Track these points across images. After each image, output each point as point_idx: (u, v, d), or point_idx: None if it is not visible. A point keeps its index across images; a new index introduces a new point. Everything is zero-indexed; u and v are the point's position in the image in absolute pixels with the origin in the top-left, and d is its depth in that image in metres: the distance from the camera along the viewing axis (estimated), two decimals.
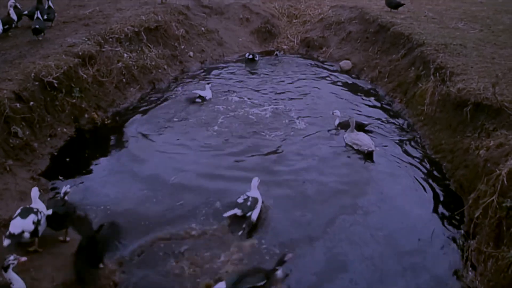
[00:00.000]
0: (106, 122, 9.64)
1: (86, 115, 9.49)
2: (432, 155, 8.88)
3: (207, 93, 11.07)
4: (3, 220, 5.76)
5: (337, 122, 9.95)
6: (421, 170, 8.43)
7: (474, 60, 10.22)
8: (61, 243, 5.79)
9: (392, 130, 10.04)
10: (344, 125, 9.69)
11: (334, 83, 12.97)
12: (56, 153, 8.34)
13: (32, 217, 5.37)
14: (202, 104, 10.81)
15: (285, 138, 9.39)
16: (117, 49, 11.19)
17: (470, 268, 5.93)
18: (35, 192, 5.75)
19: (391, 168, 8.51)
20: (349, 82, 13.05)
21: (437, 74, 10.08)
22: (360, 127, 9.55)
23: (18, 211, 5.49)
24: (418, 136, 9.63)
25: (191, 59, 13.74)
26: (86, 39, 10.63)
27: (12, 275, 4.68)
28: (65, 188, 6.24)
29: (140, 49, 12.06)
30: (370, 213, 7.17)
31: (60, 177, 7.69)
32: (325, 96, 11.87)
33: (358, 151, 8.96)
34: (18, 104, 7.98)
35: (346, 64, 14.16)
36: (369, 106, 11.33)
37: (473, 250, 6.15)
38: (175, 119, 10.01)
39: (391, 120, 10.53)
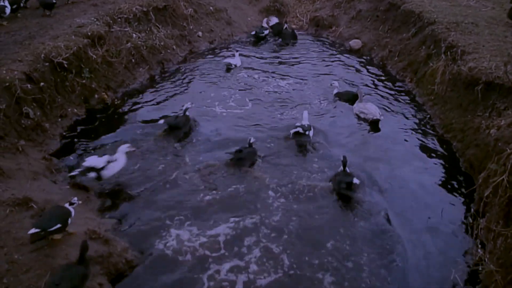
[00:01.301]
0: (116, 102, 9.66)
1: (96, 96, 9.53)
2: (442, 135, 8.85)
3: (237, 61, 12.07)
4: (17, 199, 5.84)
5: (335, 91, 10.41)
6: (431, 150, 8.42)
7: (486, 39, 10.08)
8: (74, 223, 5.85)
9: (402, 109, 9.98)
10: (341, 95, 10.26)
11: (343, 62, 12.88)
12: (67, 134, 8.40)
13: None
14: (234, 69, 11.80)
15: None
16: (126, 29, 11.16)
17: (480, 246, 5.96)
18: (124, 147, 7.18)
19: (401, 147, 8.50)
20: (359, 61, 12.94)
21: (448, 53, 9.96)
22: (354, 97, 9.90)
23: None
24: (429, 116, 9.58)
25: (200, 39, 13.67)
26: (95, 20, 10.61)
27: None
28: (186, 105, 8.83)
29: (148, 29, 12.02)
30: (383, 191, 7.22)
31: (71, 156, 7.80)
32: (334, 73, 11.82)
33: (365, 120, 9.29)
34: (29, 85, 8.03)
35: (356, 43, 14.03)
36: (379, 84, 11.25)
37: (483, 228, 6.16)
38: None
39: (401, 99, 10.46)
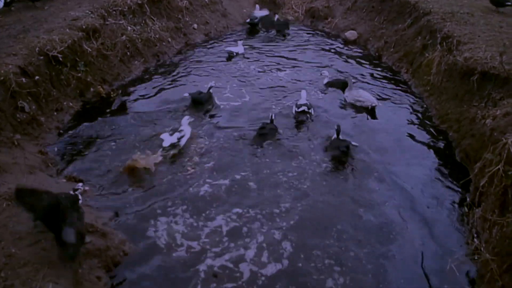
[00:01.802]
0: (111, 95, 9.63)
1: (91, 89, 9.50)
2: (438, 125, 8.87)
3: (239, 49, 12.39)
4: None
5: (325, 81, 10.49)
6: (427, 140, 8.44)
7: (482, 29, 10.10)
8: None
9: (398, 100, 10.00)
10: (331, 84, 10.34)
11: (339, 53, 12.88)
12: (63, 127, 8.38)
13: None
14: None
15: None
16: (120, 22, 11.11)
17: (476, 236, 5.99)
18: (185, 119, 8.04)
19: (397, 138, 8.51)
20: (355, 52, 12.94)
21: (444, 43, 9.98)
22: (344, 84, 9.98)
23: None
24: (425, 106, 9.60)
25: (195, 31, 13.64)
26: (90, 13, 10.55)
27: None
28: (210, 83, 9.52)
29: (143, 22, 11.97)
30: (380, 181, 7.24)
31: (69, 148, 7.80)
32: (330, 64, 11.83)
33: (361, 108, 9.40)
34: (24, 79, 7.98)
35: (351, 34, 14.02)
36: (375, 75, 11.26)
37: (479, 218, 6.18)
38: None
39: (397, 90, 10.47)
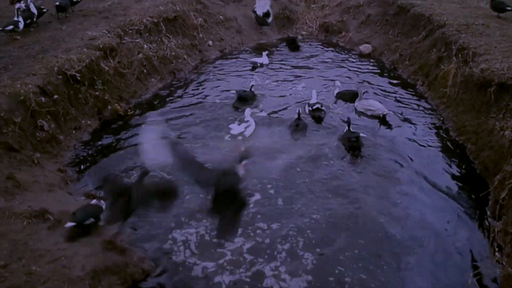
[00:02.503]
0: (129, 113, 9.74)
1: (109, 107, 9.60)
2: (456, 137, 8.79)
3: (264, 60, 12.72)
4: (34, 211, 5.91)
5: (336, 91, 10.57)
6: (444, 153, 8.37)
7: (497, 40, 10.03)
8: (89, 233, 5.90)
9: (414, 112, 9.94)
10: (341, 95, 10.43)
11: (354, 66, 12.88)
12: (81, 145, 8.48)
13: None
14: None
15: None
16: (137, 40, 11.27)
17: (497, 249, 5.90)
18: (248, 111, 9.17)
19: (414, 150, 8.44)
20: (370, 65, 12.93)
21: (460, 55, 9.92)
22: (354, 95, 10.07)
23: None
24: (441, 118, 9.53)
25: (210, 48, 13.76)
26: (107, 32, 10.72)
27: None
28: (252, 82, 10.71)
29: (159, 39, 12.13)
30: (400, 194, 7.23)
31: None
32: (343, 77, 11.82)
33: (373, 116, 9.62)
34: (43, 98, 8.12)
35: (366, 48, 14.02)
36: (390, 89, 11.22)
37: (499, 231, 6.10)
38: None
39: (414, 102, 10.42)
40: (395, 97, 10.76)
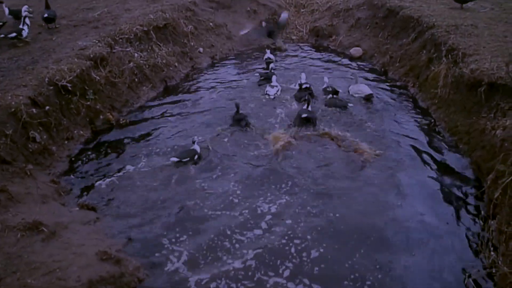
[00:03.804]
0: (121, 122, 9.71)
1: (101, 116, 9.58)
2: (448, 137, 8.83)
3: (271, 56, 13.47)
4: (27, 223, 5.87)
5: (324, 86, 11.25)
6: (437, 153, 8.40)
7: (486, 40, 10.11)
8: (85, 244, 5.87)
9: (406, 114, 9.99)
10: (326, 91, 11.03)
11: (345, 70, 12.93)
12: (74, 156, 8.45)
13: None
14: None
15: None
16: (127, 49, 11.26)
17: (492, 249, 5.92)
18: (275, 78, 11.25)
19: (406, 152, 8.47)
20: (361, 68, 12.99)
21: (449, 56, 9.99)
22: (335, 91, 10.77)
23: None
24: (433, 119, 9.57)
25: (201, 55, 13.78)
26: (97, 41, 10.70)
27: None
28: (271, 65, 12.37)
29: (150, 48, 12.12)
30: (395, 195, 7.27)
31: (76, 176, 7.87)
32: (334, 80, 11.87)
33: (360, 98, 10.74)
34: (34, 109, 8.10)
35: (356, 51, 14.09)
36: (382, 91, 11.27)
37: (494, 230, 6.13)
38: None
39: (405, 104, 10.48)
40: (387, 99, 10.81)
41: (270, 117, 9.89)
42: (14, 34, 10.73)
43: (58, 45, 10.74)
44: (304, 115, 9.26)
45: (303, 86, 10.73)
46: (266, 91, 10.96)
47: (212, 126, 9.47)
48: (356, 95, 10.86)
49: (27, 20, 10.96)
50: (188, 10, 14.34)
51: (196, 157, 8.21)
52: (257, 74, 12.08)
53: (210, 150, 8.57)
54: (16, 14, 11.75)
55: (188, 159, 8.11)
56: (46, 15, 11.70)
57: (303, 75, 11.33)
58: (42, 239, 5.74)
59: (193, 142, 8.33)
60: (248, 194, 7.33)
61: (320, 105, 10.39)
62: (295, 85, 11.26)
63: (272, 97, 10.78)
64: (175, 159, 8.02)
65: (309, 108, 9.60)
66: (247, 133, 9.15)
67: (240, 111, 9.58)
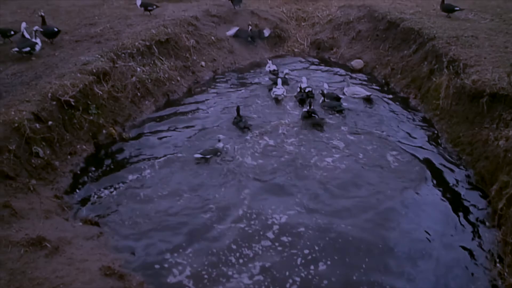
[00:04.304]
0: (124, 137, 9.73)
1: (104, 131, 9.59)
2: (451, 148, 8.82)
3: (273, 66, 13.63)
4: (31, 239, 5.86)
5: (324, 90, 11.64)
6: (440, 165, 8.39)
7: (487, 51, 10.15)
8: (88, 260, 5.85)
9: (408, 125, 9.99)
10: (326, 95, 11.33)
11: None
12: (77, 170, 8.46)
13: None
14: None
15: None
16: (130, 64, 11.31)
17: (498, 260, 5.88)
18: (280, 81, 11.84)
19: (410, 164, 8.46)
20: (362, 80, 13.01)
21: (451, 67, 10.02)
22: (337, 99, 11.24)
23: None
24: (436, 131, 9.57)
25: (203, 69, 13.82)
26: (99, 56, 10.76)
27: None
28: (285, 70, 13.03)
29: (152, 62, 12.18)
30: (400, 206, 7.26)
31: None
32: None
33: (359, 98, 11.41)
34: (37, 125, 8.12)
35: (357, 63, 14.13)
36: (384, 102, 11.27)
37: (499, 241, 6.09)
38: None
39: (407, 115, 10.48)
40: (388, 110, 10.81)
41: (275, 117, 10.57)
42: (28, 49, 10.89)
43: (61, 61, 10.79)
44: (306, 109, 10.28)
45: (306, 90, 11.38)
46: (273, 91, 11.61)
47: (214, 138, 9.49)
48: (355, 97, 11.49)
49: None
50: (190, 24, 14.42)
51: (218, 154, 8.79)
52: (267, 79, 12.77)
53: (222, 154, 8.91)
54: (4, 33, 11.97)
55: (211, 156, 8.66)
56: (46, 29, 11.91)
57: (304, 79, 12.00)
58: (45, 254, 5.73)
59: (219, 141, 8.94)
60: (255, 205, 7.34)
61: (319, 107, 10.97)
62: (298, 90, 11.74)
63: (280, 97, 11.47)
64: (199, 155, 8.60)
65: (312, 107, 10.35)
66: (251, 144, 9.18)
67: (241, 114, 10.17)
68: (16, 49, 10.81)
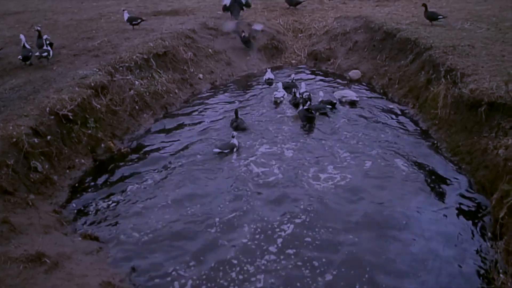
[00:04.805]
0: (122, 150, 9.70)
1: (102, 145, 9.56)
2: (450, 158, 8.82)
3: (271, 75, 14.13)
4: (30, 255, 5.81)
5: (319, 99, 11.94)
6: (439, 174, 8.38)
7: (484, 60, 10.19)
8: (88, 275, 5.80)
9: (406, 135, 9.98)
10: (322, 102, 11.78)
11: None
12: (76, 185, 8.42)
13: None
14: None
15: None
16: (128, 77, 11.32)
17: (500, 271, 5.84)
18: (280, 84, 12.66)
19: (410, 174, 8.44)
20: (360, 91, 13.04)
21: (448, 76, 10.04)
22: (332, 104, 11.74)
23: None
24: (434, 140, 9.56)
25: (201, 81, 13.84)
26: (97, 70, 10.77)
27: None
28: (292, 75, 13.67)
29: (150, 75, 12.19)
30: (402, 217, 7.23)
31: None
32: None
33: (345, 102, 11.97)
34: (35, 139, 8.10)
35: (355, 73, 14.16)
36: (381, 112, 11.29)
37: (502, 251, 6.06)
38: None
39: (405, 125, 10.48)
40: (386, 120, 10.82)
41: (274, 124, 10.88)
42: (45, 54, 11.42)
43: (58, 74, 10.80)
44: (305, 107, 10.83)
45: (304, 95, 11.59)
46: (274, 94, 12.24)
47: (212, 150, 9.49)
48: (344, 99, 12.02)
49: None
50: (187, 37, 14.46)
51: (235, 149, 9.33)
52: (280, 83, 12.89)
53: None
54: None
55: (228, 150, 9.24)
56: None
57: (303, 84, 12.45)
58: (45, 270, 5.68)
59: (233, 137, 9.44)
60: (258, 217, 7.30)
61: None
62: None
63: (280, 99, 12.12)
64: (218, 150, 9.21)
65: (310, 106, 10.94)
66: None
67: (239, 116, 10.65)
68: (37, 53, 11.34)
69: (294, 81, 13.22)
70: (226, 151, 9.23)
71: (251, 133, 10.25)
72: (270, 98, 12.43)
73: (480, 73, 9.36)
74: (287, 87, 12.78)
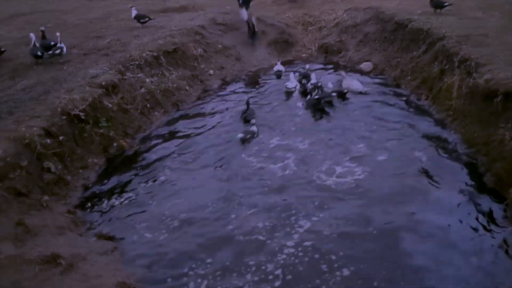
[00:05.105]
0: (135, 148, 9.69)
1: (114, 144, 9.57)
2: (465, 149, 8.68)
3: (281, 67, 13.96)
4: (45, 257, 5.82)
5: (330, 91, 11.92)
6: (455, 166, 8.26)
7: (498, 49, 9.99)
8: (103, 276, 5.80)
9: (421, 127, 9.84)
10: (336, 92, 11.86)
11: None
12: (89, 185, 8.42)
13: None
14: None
15: None
16: (138, 75, 11.31)
17: None
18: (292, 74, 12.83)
19: (426, 167, 8.32)
20: (372, 83, 12.89)
21: (462, 66, 9.87)
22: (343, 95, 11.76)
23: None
24: (449, 131, 9.42)
25: (212, 77, 13.79)
26: (108, 69, 10.77)
27: None
28: (307, 65, 13.70)
29: (160, 72, 12.16)
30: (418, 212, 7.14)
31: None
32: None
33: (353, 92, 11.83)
34: (48, 140, 8.11)
35: (367, 65, 14.02)
36: (395, 104, 11.15)
37: None
38: None
39: (419, 117, 10.33)
40: (400, 113, 10.68)
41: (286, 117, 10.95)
42: (58, 51, 11.77)
43: (69, 74, 10.81)
44: (315, 97, 11.07)
45: (317, 85, 11.70)
46: (286, 85, 12.43)
47: (225, 145, 9.46)
48: (351, 89, 11.87)
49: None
50: (196, 33, 14.41)
51: (256, 136, 9.83)
52: (297, 73, 13.16)
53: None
54: None
55: (250, 136, 9.72)
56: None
57: (313, 75, 12.38)
58: (60, 272, 5.69)
59: (253, 124, 10.01)
60: (272, 216, 7.24)
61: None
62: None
63: (291, 90, 12.35)
64: (241, 135, 9.65)
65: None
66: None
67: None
68: (50, 52, 11.65)
69: (309, 71, 13.05)
70: (248, 136, 9.64)
71: (263, 125, 10.33)
72: (281, 90, 12.50)
73: (495, 63, 9.18)
74: (305, 76, 12.70)
